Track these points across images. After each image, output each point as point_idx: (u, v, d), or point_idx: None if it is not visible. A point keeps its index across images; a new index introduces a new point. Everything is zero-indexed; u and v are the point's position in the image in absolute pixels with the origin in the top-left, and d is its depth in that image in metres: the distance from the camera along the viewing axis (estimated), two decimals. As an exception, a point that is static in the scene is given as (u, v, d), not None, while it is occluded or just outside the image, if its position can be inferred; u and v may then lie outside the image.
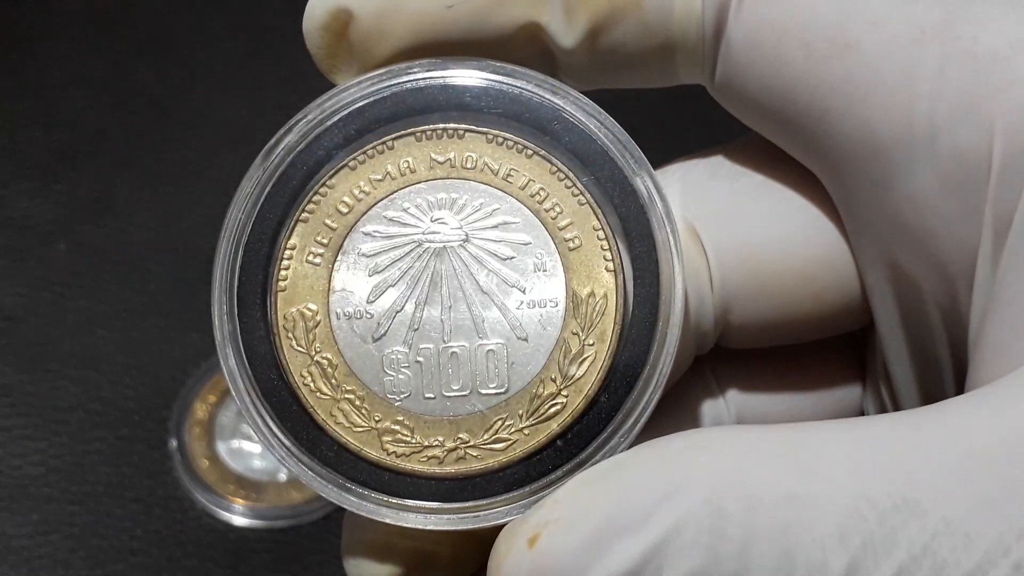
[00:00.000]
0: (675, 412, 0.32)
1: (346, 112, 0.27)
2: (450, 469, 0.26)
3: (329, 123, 0.27)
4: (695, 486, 0.23)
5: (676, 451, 0.24)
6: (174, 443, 0.55)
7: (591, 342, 0.26)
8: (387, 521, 0.26)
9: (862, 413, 0.33)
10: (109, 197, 0.61)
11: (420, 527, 0.26)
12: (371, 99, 0.27)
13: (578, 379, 0.26)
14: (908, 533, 0.22)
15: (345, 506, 0.26)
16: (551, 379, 0.26)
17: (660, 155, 0.29)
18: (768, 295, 0.29)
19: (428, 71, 0.27)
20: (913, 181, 0.26)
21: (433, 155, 0.26)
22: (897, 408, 0.31)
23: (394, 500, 0.26)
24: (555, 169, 0.26)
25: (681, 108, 0.53)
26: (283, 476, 0.55)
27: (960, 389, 0.28)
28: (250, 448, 0.55)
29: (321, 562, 0.52)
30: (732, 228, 0.29)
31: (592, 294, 0.26)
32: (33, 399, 0.55)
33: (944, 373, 0.29)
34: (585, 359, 0.26)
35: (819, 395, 0.32)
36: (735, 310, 0.29)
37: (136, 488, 0.53)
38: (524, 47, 0.27)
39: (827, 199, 0.29)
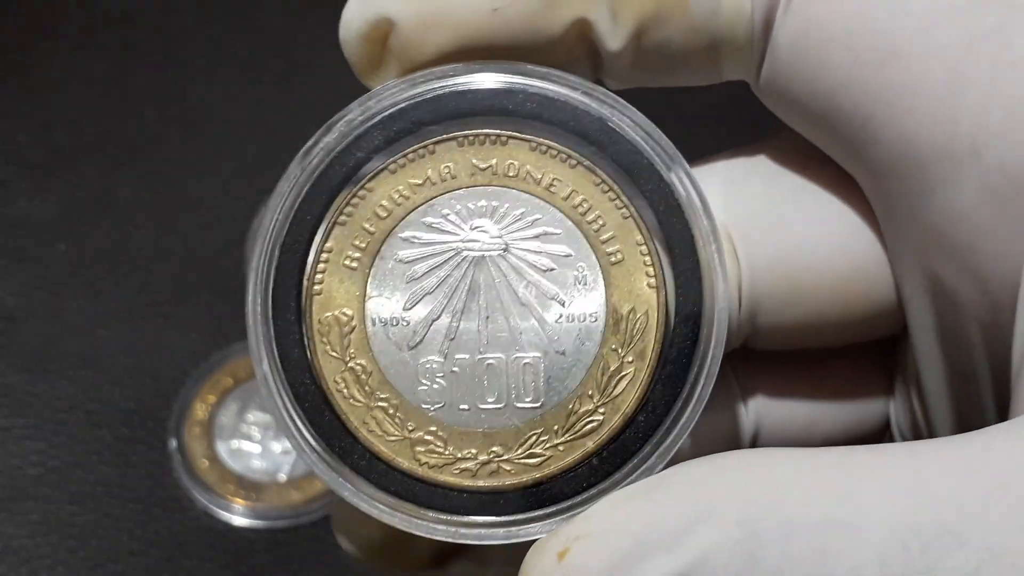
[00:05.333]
0: None
1: (387, 114, 0.26)
2: (482, 483, 0.25)
3: (369, 124, 0.26)
4: (730, 509, 0.23)
5: (712, 472, 0.24)
6: (174, 443, 0.55)
7: (631, 360, 0.25)
8: (418, 533, 0.25)
9: (887, 424, 0.32)
10: (109, 197, 0.61)
11: (450, 540, 0.25)
12: (413, 101, 0.26)
13: (616, 397, 0.25)
14: (952, 563, 0.22)
15: (375, 516, 0.25)
16: (588, 395, 0.25)
17: (698, 153, 0.29)
18: (798, 301, 0.28)
19: (473, 74, 0.26)
20: (956, 193, 0.25)
21: (475, 161, 0.26)
22: (927, 419, 0.30)
23: (424, 511, 0.25)
24: (599, 181, 0.26)
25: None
26: (283, 476, 0.55)
27: (1001, 405, 0.27)
28: (250, 448, 0.55)
29: (321, 562, 0.52)
30: (766, 232, 0.28)
31: (633, 311, 0.26)
32: (33, 399, 0.55)
33: (982, 388, 0.28)
34: (624, 376, 0.25)
35: (842, 405, 0.32)
36: (763, 314, 0.29)
37: (136, 488, 0.53)
38: (570, 49, 0.27)
39: (866, 204, 0.28)
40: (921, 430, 0.31)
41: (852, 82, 0.26)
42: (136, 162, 0.62)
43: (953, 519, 0.22)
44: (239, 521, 0.53)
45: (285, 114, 0.63)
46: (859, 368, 0.32)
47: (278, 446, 0.55)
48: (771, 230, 0.28)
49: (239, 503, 0.53)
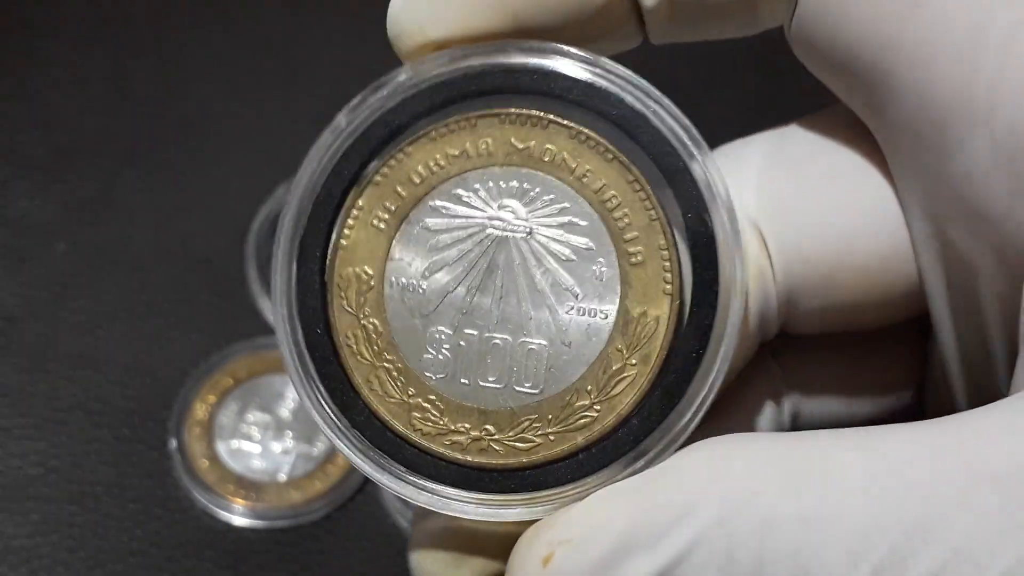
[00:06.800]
0: (733, 405, 0.31)
1: (436, 81, 0.26)
2: (470, 458, 0.26)
3: (417, 90, 0.26)
4: (708, 506, 0.23)
5: (691, 468, 0.24)
6: (174, 443, 0.55)
7: (634, 362, 0.26)
8: (403, 495, 0.26)
9: (920, 408, 0.33)
10: (109, 197, 0.61)
11: (433, 509, 0.26)
12: (462, 73, 0.26)
13: (613, 396, 0.26)
14: (918, 561, 0.22)
15: (364, 471, 0.26)
16: (586, 391, 0.26)
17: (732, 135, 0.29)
18: (833, 289, 0.28)
19: (523, 54, 0.26)
20: (969, 155, 0.25)
21: (513, 140, 0.26)
22: (952, 400, 0.30)
23: (411, 476, 0.26)
24: (632, 178, 0.26)
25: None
26: (283, 476, 0.55)
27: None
28: (250, 448, 0.55)
29: (321, 562, 0.52)
30: (797, 219, 0.28)
31: (645, 314, 0.26)
32: (33, 399, 0.55)
33: (998, 362, 0.28)
34: (624, 378, 0.26)
35: (878, 400, 0.32)
36: (798, 302, 0.29)
37: (136, 488, 0.53)
38: (614, 7, 0.27)
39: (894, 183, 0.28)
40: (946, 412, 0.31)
41: (873, 35, 0.25)
42: (136, 162, 0.62)
43: (920, 515, 0.22)
44: (239, 521, 0.53)
45: (285, 114, 0.63)
46: (897, 363, 0.32)
47: (278, 446, 0.55)
48: (803, 217, 0.28)
49: (239, 503, 0.53)
